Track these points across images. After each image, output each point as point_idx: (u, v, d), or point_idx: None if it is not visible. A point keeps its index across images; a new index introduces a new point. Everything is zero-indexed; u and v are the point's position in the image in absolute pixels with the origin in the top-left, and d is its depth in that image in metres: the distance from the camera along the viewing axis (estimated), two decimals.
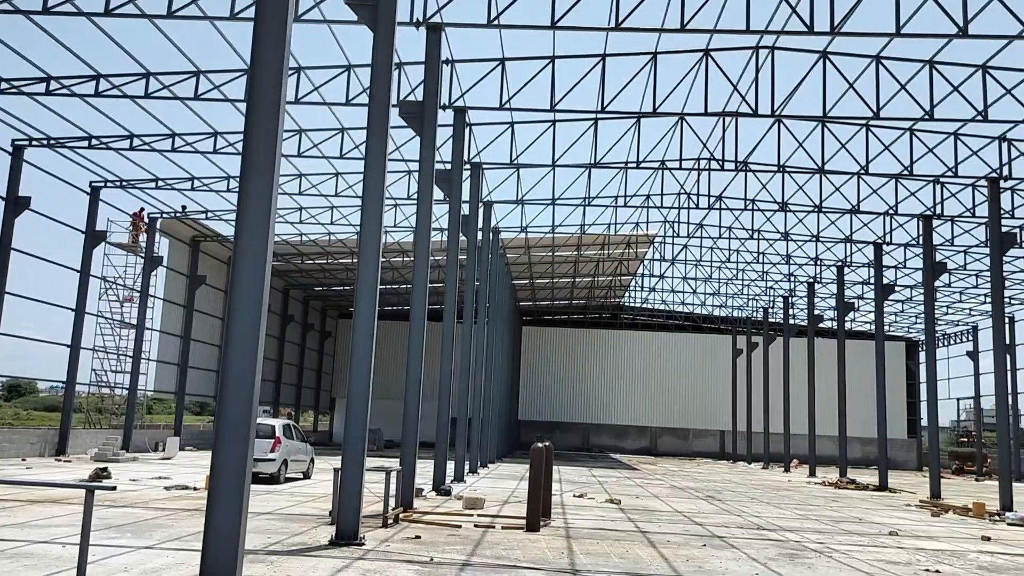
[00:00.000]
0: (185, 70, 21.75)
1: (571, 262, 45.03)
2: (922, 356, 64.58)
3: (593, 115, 23.63)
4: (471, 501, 16.14)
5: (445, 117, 22.12)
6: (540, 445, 13.57)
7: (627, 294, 57.51)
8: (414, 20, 16.59)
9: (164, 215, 34.82)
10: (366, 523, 12.88)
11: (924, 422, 66.64)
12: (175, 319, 37.83)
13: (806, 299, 44.56)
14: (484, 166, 27.54)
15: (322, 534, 11.58)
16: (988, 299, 46.34)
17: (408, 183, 29.86)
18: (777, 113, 20.60)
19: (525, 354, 63.27)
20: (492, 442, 38.18)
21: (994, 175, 24.25)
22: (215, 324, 41.39)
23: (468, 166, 25.35)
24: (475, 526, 13.13)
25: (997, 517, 19.82)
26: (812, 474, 39.19)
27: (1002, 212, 28.67)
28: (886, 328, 60.71)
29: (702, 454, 62.19)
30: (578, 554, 10.96)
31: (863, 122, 24.17)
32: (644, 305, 61.41)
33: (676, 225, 35.93)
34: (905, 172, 24.71)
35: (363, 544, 10.80)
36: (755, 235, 36.39)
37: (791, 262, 41.12)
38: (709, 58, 20.60)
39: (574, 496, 20.46)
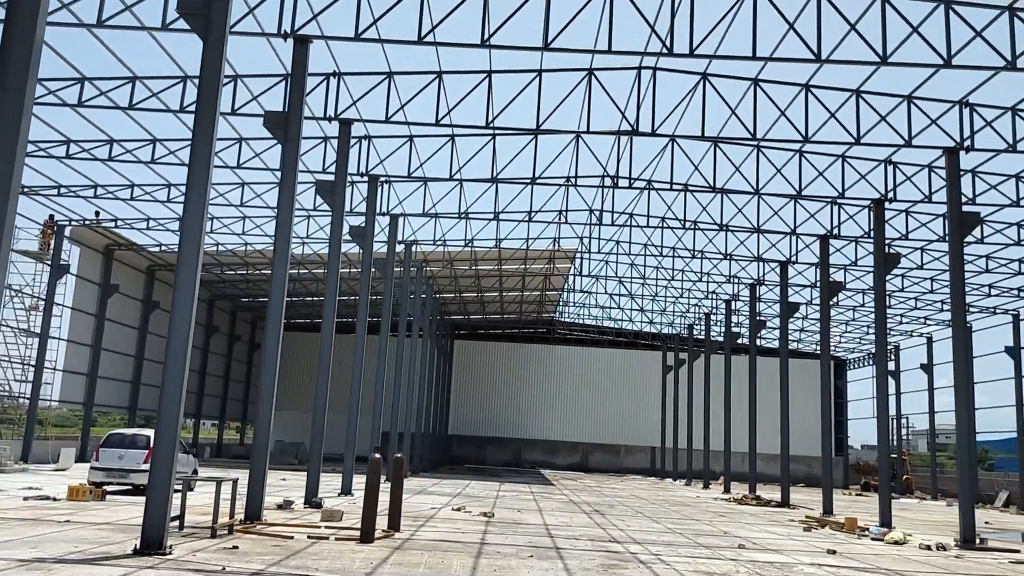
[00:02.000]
0: (70, 76, 21.50)
1: (495, 276, 45.19)
2: (850, 375, 66.01)
3: (488, 130, 23.80)
4: (329, 513, 16.05)
5: (332, 129, 22.28)
6: (377, 456, 13.57)
7: (558, 310, 57.85)
8: (282, 31, 16.61)
9: (73, 223, 34.23)
10: (196, 533, 12.78)
11: (852, 441, 68.16)
12: (85, 328, 37.09)
13: (749, 317, 45.40)
14: (385, 179, 27.71)
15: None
16: (902, 319, 47.65)
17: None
18: (657, 131, 20.97)
19: (457, 368, 63.18)
20: (412, 456, 38.03)
21: (879, 197, 24.99)
22: (130, 334, 40.69)
23: (366, 178, 25.44)
24: (308, 537, 13.08)
25: (865, 532, 20.26)
26: (727, 490, 39.65)
27: (902, 234, 29.82)
28: (811, 347, 62.05)
29: (633, 470, 62.51)
30: (390, 563, 10.98)
31: (754, 143, 24.79)
32: (577, 321, 61.84)
33: (590, 241, 36.33)
34: (796, 193, 25.35)
35: (167, 553, 10.69)
36: (667, 252, 37.00)
37: (709, 279, 41.77)
38: (593, 77, 20.98)
39: (452, 509, 20.46)
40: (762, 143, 24.58)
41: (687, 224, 30.68)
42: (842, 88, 21.22)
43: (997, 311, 42.80)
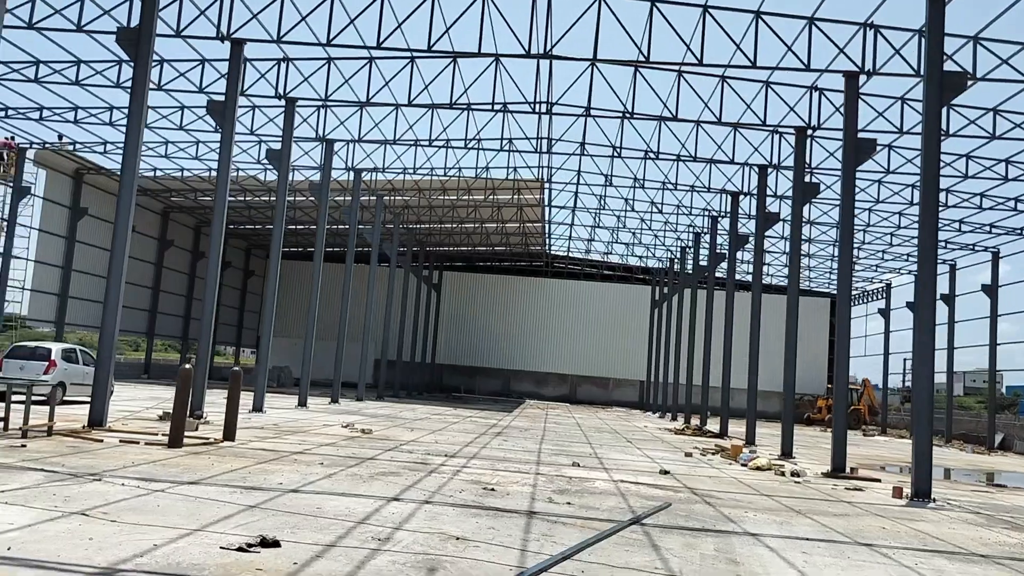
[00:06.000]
0: None
1: (463, 206, 45.17)
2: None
3: (419, 53, 23.59)
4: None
5: (224, 50, 22.20)
6: (188, 367, 14.04)
7: (547, 242, 57.75)
8: None
9: (33, 145, 34.92)
10: (10, 435, 13.42)
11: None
12: (55, 250, 38.22)
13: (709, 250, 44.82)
14: (321, 104, 27.70)
15: None
16: (884, 255, 46.67)
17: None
18: (550, 52, 20.56)
19: (450, 300, 63.77)
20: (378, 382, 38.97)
21: (802, 125, 24.33)
22: (102, 256, 41.80)
23: (283, 101, 25.50)
24: (120, 441, 13.68)
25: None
26: (687, 423, 39.90)
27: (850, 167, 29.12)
28: (808, 284, 61.28)
29: (621, 403, 63.12)
30: (162, 463, 11.44)
31: (676, 67, 24.16)
32: (569, 254, 61.73)
33: (545, 171, 36.05)
34: (717, 119, 24.76)
35: None
36: (628, 183, 36.61)
37: (679, 212, 41.33)
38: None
39: (342, 427, 21.04)
40: (683, 69, 24.04)
41: (619, 153, 30.26)
42: (742, 9, 20.50)
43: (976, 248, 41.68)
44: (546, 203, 42.90)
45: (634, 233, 48.87)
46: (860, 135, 22.85)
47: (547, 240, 56.16)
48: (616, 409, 56.66)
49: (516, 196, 41.58)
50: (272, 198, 43.84)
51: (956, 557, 9.02)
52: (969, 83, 19.58)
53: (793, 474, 17.55)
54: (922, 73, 15.69)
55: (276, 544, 6.87)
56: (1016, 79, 19.40)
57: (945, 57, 18.75)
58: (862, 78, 20.08)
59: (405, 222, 47.13)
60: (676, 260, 50.60)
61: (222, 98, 21.36)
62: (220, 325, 57.11)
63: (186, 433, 15.57)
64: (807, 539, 9.47)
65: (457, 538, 7.90)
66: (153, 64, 24.96)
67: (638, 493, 12.59)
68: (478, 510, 9.70)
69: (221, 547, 6.68)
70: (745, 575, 7.33)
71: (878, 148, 28.33)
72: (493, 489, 11.60)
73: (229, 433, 15.32)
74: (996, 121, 23.66)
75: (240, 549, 6.62)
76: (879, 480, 17.82)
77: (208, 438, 15.09)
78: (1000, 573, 8.32)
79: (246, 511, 8.41)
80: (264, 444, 15.32)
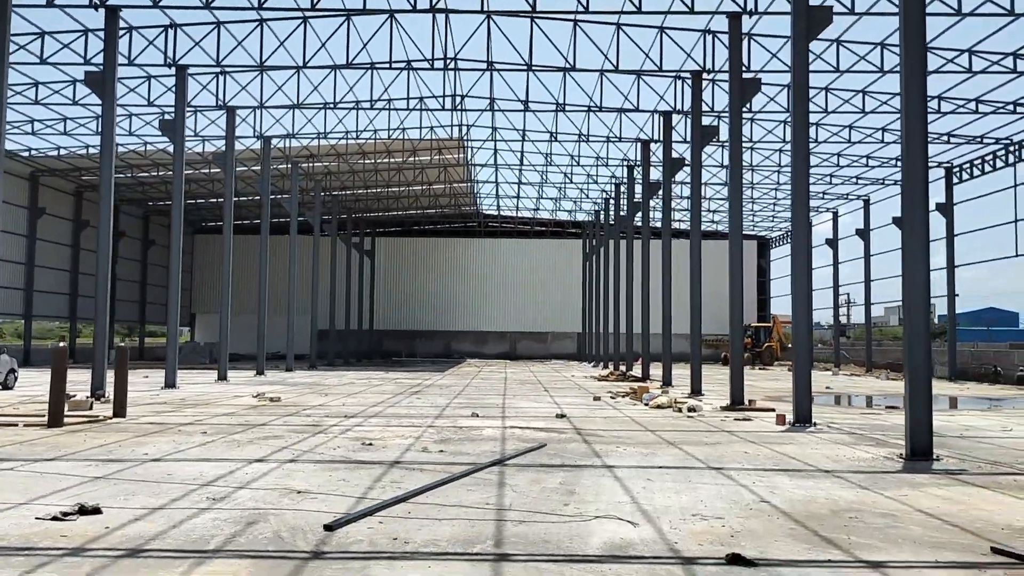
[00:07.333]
0: None
1: (391, 170, 44.70)
2: (774, 253, 66.54)
3: (301, 13, 23.11)
4: (76, 403, 16.44)
5: (98, 19, 21.44)
6: (62, 345, 13.79)
7: (479, 202, 57.56)
8: None
9: None
10: None
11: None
12: None
13: (627, 199, 45.18)
14: (222, 70, 26.97)
15: None
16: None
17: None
18: (437, 7, 20.34)
19: (385, 265, 63.35)
20: (298, 350, 38.65)
21: (698, 69, 24.55)
22: (17, 241, 40.52)
23: (174, 69, 24.76)
24: None
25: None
26: (616, 369, 40.59)
27: (749, 110, 29.61)
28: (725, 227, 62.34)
29: (559, 356, 63.82)
30: (25, 443, 11.27)
31: (571, 17, 24.08)
32: (500, 212, 61.63)
33: (458, 129, 35.81)
34: (614, 68, 24.79)
35: None
36: (543, 137, 36.58)
37: (598, 163, 41.49)
38: None
39: (252, 397, 20.90)
40: (578, 18, 23.96)
41: (528, 106, 30.18)
42: None
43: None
44: (468, 162, 42.66)
45: (558, 188, 49.04)
46: (757, 75, 23.48)
47: (476, 199, 55.98)
48: (554, 362, 57.29)
49: (437, 156, 41.27)
50: (192, 172, 42.77)
51: (798, 474, 9.44)
52: (847, 17, 20.01)
53: (690, 410, 18.05)
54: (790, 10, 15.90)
55: (96, 511, 6.86)
56: (893, 12, 19.79)
57: None
58: (746, 19, 20.32)
59: (328, 189, 46.48)
60: (601, 211, 50.97)
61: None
62: (149, 304, 56.01)
63: (77, 412, 15.43)
64: (661, 467, 9.80)
65: (298, 492, 7.99)
66: (33, 37, 24.27)
67: (522, 437, 12.84)
68: (340, 464, 9.81)
69: (37, 518, 6.65)
70: (574, 503, 7.58)
71: (777, 89, 28.94)
72: (371, 444, 11.71)
73: (119, 409, 15.14)
74: (884, 55, 24.16)
75: (55, 518, 6.60)
76: (773, 410, 18.41)
77: (98, 416, 14.91)
78: (831, 485, 8.74)
79: (89, 482, 8.36)
80: (156, 419, 15.17)
